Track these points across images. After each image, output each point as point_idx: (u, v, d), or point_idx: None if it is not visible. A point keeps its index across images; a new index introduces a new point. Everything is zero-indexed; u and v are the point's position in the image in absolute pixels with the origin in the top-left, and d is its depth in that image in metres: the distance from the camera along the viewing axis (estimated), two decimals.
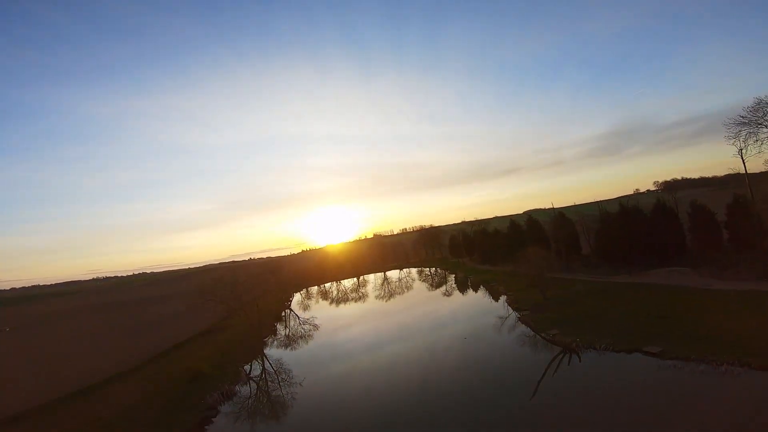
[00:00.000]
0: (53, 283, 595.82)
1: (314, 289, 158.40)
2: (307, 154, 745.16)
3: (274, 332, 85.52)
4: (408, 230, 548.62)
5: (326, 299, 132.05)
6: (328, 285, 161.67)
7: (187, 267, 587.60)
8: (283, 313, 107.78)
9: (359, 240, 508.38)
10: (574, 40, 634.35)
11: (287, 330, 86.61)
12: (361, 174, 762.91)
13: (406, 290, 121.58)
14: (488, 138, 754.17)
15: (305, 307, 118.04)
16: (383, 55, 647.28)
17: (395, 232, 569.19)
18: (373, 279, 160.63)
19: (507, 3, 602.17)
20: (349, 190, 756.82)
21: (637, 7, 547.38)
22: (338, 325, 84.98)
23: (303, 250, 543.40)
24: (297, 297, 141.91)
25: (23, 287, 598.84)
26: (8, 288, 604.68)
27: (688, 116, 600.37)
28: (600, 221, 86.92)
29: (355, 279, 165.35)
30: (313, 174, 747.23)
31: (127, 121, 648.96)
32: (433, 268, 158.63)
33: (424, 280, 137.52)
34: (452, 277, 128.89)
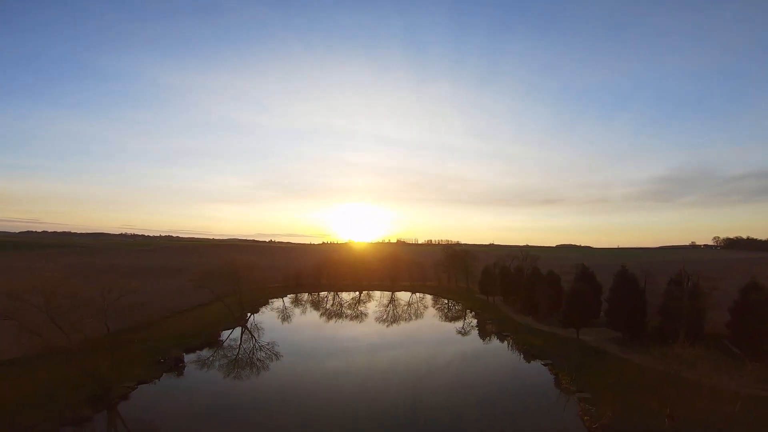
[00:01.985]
0: (84, 232, 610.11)
1: (306, 296, 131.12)
2: (347, 149, 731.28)
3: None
4: (433, 242, 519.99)
5: (310, 312, 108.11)
6: (324, 294, 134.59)
7: (211, 237, 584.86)
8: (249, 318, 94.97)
9: (382, 242, 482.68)
10: (648, 71, 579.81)
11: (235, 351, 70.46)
12: (397, 177, 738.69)
13: (411, 329, 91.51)
14: (534, 162, 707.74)
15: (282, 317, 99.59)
16: (441, 62, 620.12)
17: (419, 242, 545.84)
18: (378, 297, 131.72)
19: (581, 26, 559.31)
20: (382, 191, 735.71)
21: (723, 44, 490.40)
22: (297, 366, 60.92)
23: (324, 242, 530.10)
24: (279, 304, 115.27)
25: (55, 232, 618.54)
26: (40, 231, 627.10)
27: (758, 169, 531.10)
28: None
29: (357, 294, 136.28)
30: (350, 169, 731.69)
31: (189, 92, 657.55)
32: (455, 303, 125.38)
33: (440, 319, 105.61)
34: (480, 325, 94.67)
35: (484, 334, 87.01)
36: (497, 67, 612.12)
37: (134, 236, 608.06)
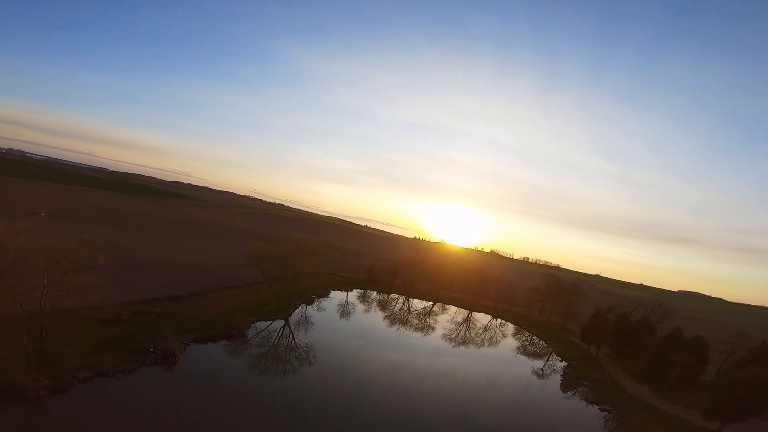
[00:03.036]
0: (217, 189, 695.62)
1: (375, 294, 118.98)
2: (457, 149, 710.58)
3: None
4: (530, 260, 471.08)
5: (370, 314, 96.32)
6: (395, 296, 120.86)
7: (315, 212, 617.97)
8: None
9: (474, 248, 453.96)
10: None
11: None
12: (503, 185, 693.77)
13: (474, 361, 75.22)
14: (671, 195, 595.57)
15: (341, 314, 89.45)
16: (576, 71, 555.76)
17: (515, 257, 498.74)
18: (453, 313, 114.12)
19: (762, 47, 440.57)
20: (485, 196, 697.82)
21: None
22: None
23: (416, 237, 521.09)
24: (341, 297, 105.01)
25: (197, 186, 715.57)
26: (186, 183, 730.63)
27: None
28: None
29: (430, 304, 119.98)
30: (456, 169, 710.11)
31: (320, 77, 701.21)
32: (543, 343, 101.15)
33: (516, 357, 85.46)
34: (569, 383, 72.21)
35: (572, 397, 65.20)
36: (647, 83, 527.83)
37: (253, 199, 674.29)
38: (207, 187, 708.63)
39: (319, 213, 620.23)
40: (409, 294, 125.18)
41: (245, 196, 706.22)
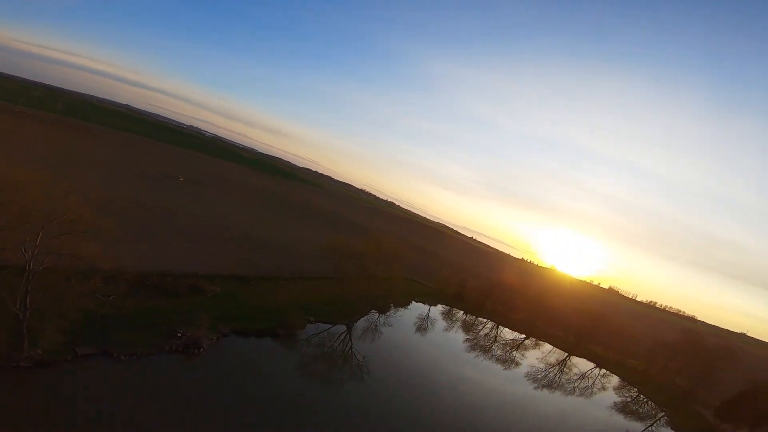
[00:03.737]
0: (339, 179, 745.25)
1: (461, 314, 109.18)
2: (587, 172, 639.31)
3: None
4: (658, 306, 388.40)
5: (449, 335, 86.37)
6: (483, 320, 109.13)
7: (424, 216, 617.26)
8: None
9: (589, 281, 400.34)
10: None
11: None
12: (639, 217, 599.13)
13: (553, 417, 60.40)
14: None
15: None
16: (755, 95, 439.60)
17: (640, 299, 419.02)
18: (547, 352, 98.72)
19: None
20: (614, 227, 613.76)
21: None
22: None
23: (524, 258, 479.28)
24: (422, 310, 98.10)
25: (322, 174, 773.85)
26: (314, 170, 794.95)
27: None
28: None
29: (523, 336, 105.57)
30: (583, 194, 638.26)
31: (447, 82, 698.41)
32: (658, 412, 79.04)
33: (621, 421, 68.10)
34: None
35: None
36: None
37: (368, 194, 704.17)
38: (330, 177, 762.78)
39: (427, 216, 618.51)
40: (501, 320, 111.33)
41: (362, 189, 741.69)
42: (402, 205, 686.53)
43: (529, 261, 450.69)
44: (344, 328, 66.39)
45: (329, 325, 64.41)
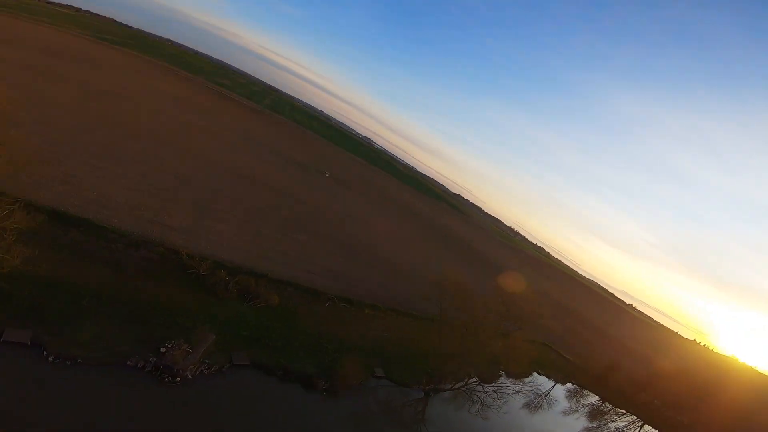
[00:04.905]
0: (487, 212, 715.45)
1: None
2: None
3: None
4: None
5: (569, 427, 63.53)
6: (630, 417, 78.72)
7: (577, 269, 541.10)
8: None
9: None
10: None
11: None
12: None
13: None
14: None
15: None
16: None
17: None
18: None
19: None
20: None
21: None
22: None
23: (695, 340, 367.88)
24: (543, 385, 75.32)
25: (471, 203, 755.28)
26: (465, 198, 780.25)
27: None
28: None
29: None
30: None
31: (641, 123, 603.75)
32: None
33: None
34: None
35: None
36: None
37: (515, 233, 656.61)
38: (479, 207, 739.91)
39: (579, 271, 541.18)
40: (654, 421, 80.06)
41: (510, 228, 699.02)
42: (552, 253, 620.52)
43: (701, 344, 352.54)
44: (422, 394, 49.50)
45: (399, 387, 47.69)
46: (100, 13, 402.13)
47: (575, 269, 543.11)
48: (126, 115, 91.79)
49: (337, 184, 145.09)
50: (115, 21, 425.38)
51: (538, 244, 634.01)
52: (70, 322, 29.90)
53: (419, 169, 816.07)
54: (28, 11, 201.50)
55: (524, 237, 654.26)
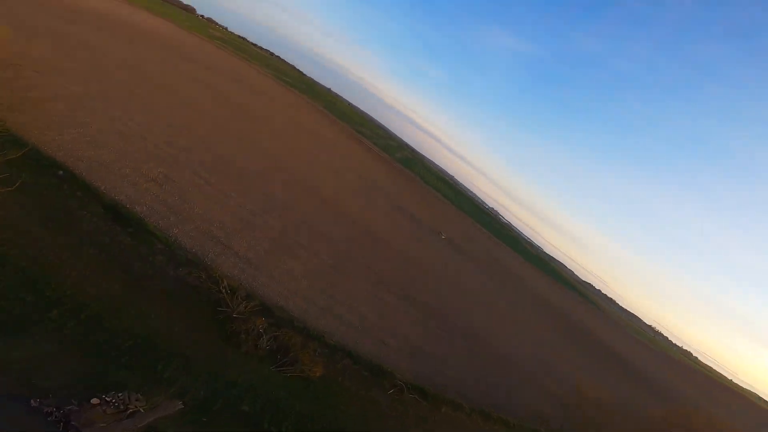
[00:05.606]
0: (624, 306, 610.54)
1: None
2: None
3: None
4: None
5: None
6: None
7: (730, 377, 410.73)
8: None
9: None
10: None
11: None
12: None
13: None
14: None
15: None
16: None
17: None
18: None
19: None
20: None
21: None
22: None
23: None
24: None
25: (605, 294, 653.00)
26: (597, 288, 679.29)
27: None
28: None
29: None
30: None
31: None
32: None
33: None
34: None
35: None
36: None
37: (656, 332, 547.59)
38: (614, 300, 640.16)
39: (735, 381, 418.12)
40: None
41: (650, 326, 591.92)
42: (700, 357, 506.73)
43: None
44: None
45: None
46: (287, 60, 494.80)
47: (729, 377, 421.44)
48: (255, 135, 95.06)
49: (451, 249, 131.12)
50: (294, 67, 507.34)
51: (684, 347, 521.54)
52: (16, 331, 21.39)
53: (547, 250, 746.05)
54: (241, 50, 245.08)
55: (666, 337, 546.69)
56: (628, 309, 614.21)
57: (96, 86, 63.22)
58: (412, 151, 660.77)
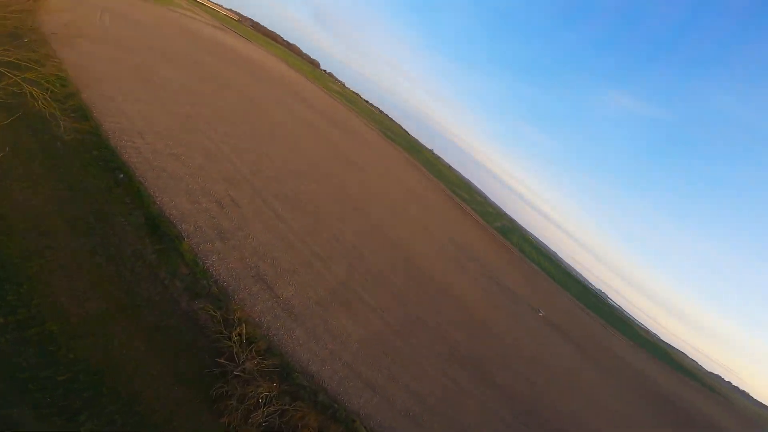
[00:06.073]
0: (756, 397, 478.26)
1: None
2: None
3: None
4: None
5: None
6: None
7: None
8: None
9: None
10: None
11: None
12: None
13: None
14: None
15: None
16: None
17: None
18: None
19: None
20: None
21: None
22: None
23: None
24: None
25: (735, 386, 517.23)
26: (726, 380, 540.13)
27: None
28: None
29: None
30: None
31: None
32: None
33: None
34: None
35: None
36: None
37: (739, 391, 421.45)
38: (746, 392, 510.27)
39: None
40: None
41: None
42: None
43: None
44: None
45: None
46: (394, 119, 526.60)
47: None
48: (344, 177, 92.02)
49: (549, 328, 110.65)
50: (400, 126, 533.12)
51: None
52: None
53: (664, 338, 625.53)
54: (353, 103, 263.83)
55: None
56: (760, 401, 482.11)
57: (208, 110, 65.63)
58: (512, 221, 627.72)
